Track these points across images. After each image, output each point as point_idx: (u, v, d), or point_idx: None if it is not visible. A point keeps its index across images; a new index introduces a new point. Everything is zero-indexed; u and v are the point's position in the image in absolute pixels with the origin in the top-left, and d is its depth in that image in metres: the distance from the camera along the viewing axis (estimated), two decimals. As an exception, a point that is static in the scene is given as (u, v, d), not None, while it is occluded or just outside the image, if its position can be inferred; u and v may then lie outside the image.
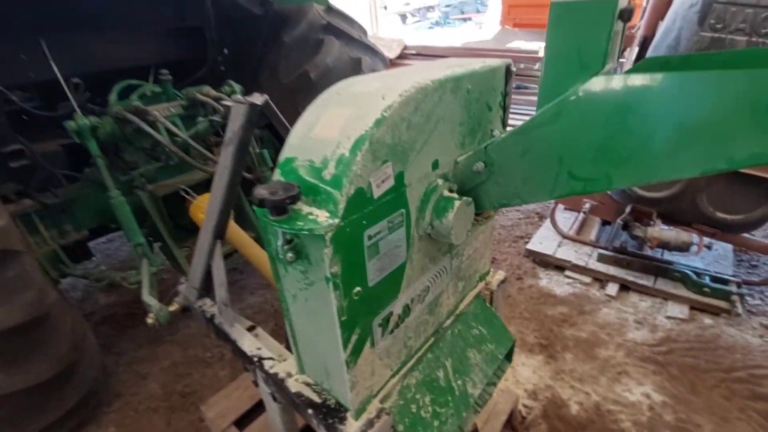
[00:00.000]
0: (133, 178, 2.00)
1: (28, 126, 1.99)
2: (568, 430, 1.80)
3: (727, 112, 0.52)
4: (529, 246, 3.01)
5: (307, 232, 0.69)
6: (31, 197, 1.86)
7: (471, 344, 1.27)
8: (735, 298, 2.27)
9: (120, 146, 2.00)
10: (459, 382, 1.17)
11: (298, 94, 2.26)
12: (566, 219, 3.27)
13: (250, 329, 1.32)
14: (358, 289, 0.81)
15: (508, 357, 1.41)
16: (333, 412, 0.97)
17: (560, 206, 3.33)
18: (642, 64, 0.79)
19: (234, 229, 1.72)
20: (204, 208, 1.97)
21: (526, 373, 2.10)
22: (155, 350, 2.48)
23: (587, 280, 2.73)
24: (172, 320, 1.44)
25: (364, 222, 0.76)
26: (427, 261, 1.01)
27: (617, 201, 2.57)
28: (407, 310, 1.00)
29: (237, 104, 1.30)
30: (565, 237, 3.02)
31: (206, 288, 1.41)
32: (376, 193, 0.76)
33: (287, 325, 0.99)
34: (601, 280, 2.71)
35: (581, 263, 2.77)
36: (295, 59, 2.29)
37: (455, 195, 0.93)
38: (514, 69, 1.08)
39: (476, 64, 0.98)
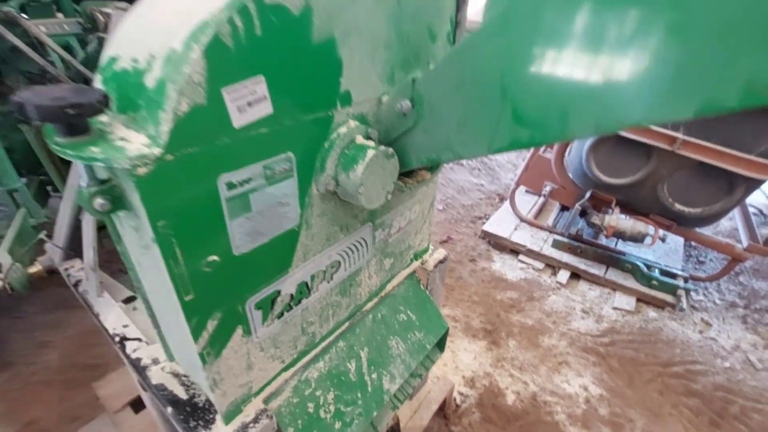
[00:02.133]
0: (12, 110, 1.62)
1: None
2: (501, 421, 1.69)
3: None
4: (486, 227, 2.87)
5: (102, 164, 0.44)
6: None
7: (395, 331, 1.08)
8: (681, 292, 2.24)
9: (-1, 67, 1.60)
10: (374, 375, 0.98)
11: None
12: (527, 202, 3.15)
13: (127, 301, 1.06)
14: (213, 258, 0.57)
15: (440, 346, 1.24)
16: (199, 413, 0.75)
17: (522, 188, 3.21)
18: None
19: None
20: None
21: (466, 360, 1.98)
22: (65, 316, 2.16)
23: (540, 265, 2.64)
24: (32, 286, 1.15)
25: (217, 161, 0.52)
26: (337, 229, 0.79)
27: (578, 186, 2.45)
28: (305, 288, 0.78)
29: (118, 11, 0.99)
30: (522, 220, 2.91)
31: (75, 248, 1.12)
32: (238, 120, 0.52)
33: (141, 297, 0.74)
34: (553, 266, 2.63)
35: (536, 248, 2.66)
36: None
37: (372, 143, 0.70)
38: (469, -8, 0.84)
39: (417, -28, 0.73)
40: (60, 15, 1.71)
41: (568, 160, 2.49)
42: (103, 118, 0.49)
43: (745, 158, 1.74)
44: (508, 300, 2.36)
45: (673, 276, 2.34)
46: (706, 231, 2.61)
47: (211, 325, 0.62)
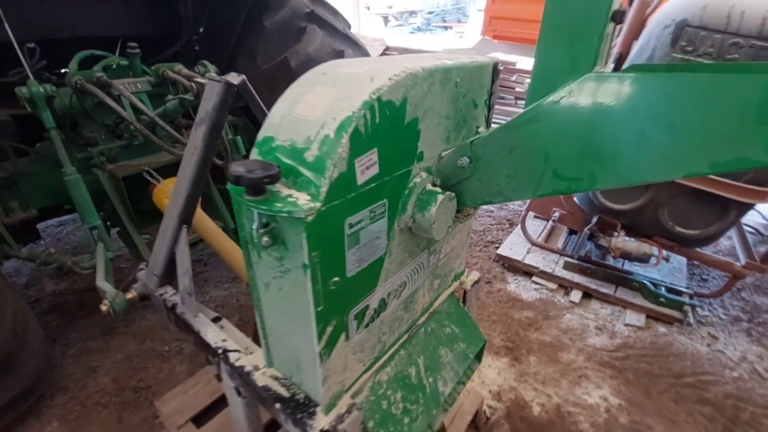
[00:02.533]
0: (92, 156, 1.86)
1: None
2: (529, 430, 1.83)
3: (716, 114, 0.53)
4: (500, 251, 3.06)
5: (286, 215, 0.65)
6: None
7: (443, 342, 1.26)
8: (687, 308, 2.40)
9: (79, 121, 1.86)
10: (430, 379, 1.16)
11: (277, 82, 2.19)
12: (536, 226, 3.36)
13: (215, 320, 1.25)
14: (336, 279, 0.78)
15: (478, 357, 1.41)
16: (302, 407, 0.93)
17: (530, 214, 3.42)
18: (630, 68, 0.80)
19: (201, 216, 1.64)
20: (169, 193, 1.87)
21: (491, 375, 2.13)
22: (108, 342, 2.33)
23: (553, 286, 2.81)
24: (129, 309, 1.34)
25: (346, 209, 0.73)
26: (406, 255, 1.00)
27: (584, 211, 2.67)
28: (383, 304, 0.98)
29: (212, 82, 1.23)
30: (533, 244, 3.10)
31: (168, 276, 1.33)
32: (360, 179, 0.74)
33: (257, 315, 0.94)
34: (565, 286, 2.80)
35: (548, 270, 2.84)
36: (275, 45, 2.22)
37: (438, 189, 0.91)
38: (501, 68, 1.08)
39: (465, 58, 0.97)
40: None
41: (575, 188, 2.72)
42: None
43: (734, 184, 1.96)
44: (526, 319, 2.53)
45: (679, 293, 2.51)
46: (707, 250, 2.81)
47: (328, 330, 0.82)
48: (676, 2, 1.93)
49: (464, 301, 1.42)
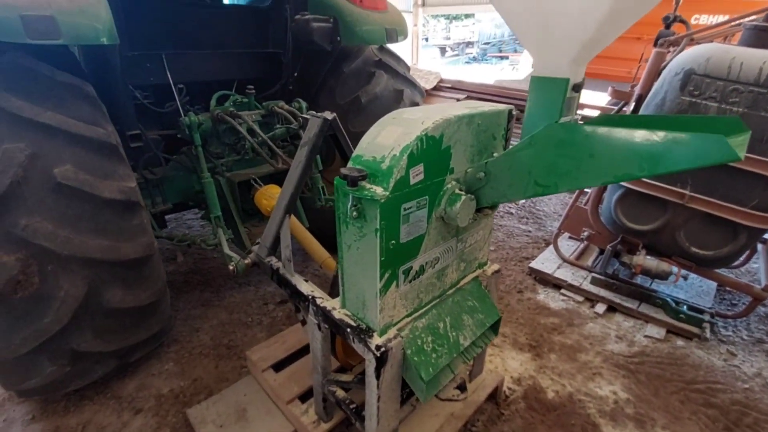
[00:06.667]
0: (216, 166, 2.55)
1: (140, 118, 2.60)
2: (542, 410, 2.16)
3: (614, 151, 0.97)
4: (532, 264, 3.39)
5: (369, 198, 1.17)
6: (137, 172, 2.43)
7: (466, 311, 1.69)
8: (706, 325, 2.59)
9: (209, 140, 2.56)
10: (453, 333, 1.59)
11: (350, 114, 2.80)
12: (569, 246, 3.64)
13: (305, 281, 1.79)
14: (393, 242, 1.27)
15: (494, 329, 1.81)
16: (364, 332, 1.41)
17: (564, 234, 3.71)
18: (591, 120, 1.24)
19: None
20: (268, 195, 2.51)
21: (513, 365, 2.47)
22: (206, 311, 2.97)
23: (580, 298, 3.08)
24: (248, 270, 1.92)
25: (403, 198, 1.23)
26: (440, 238, 1.47)
27: (610, 231, 2.95)
28: (422, 269, 1.45)
29: (313, 117, 1.82)
30: (564, 260, 3.39)
31: (274, 249, 1.90)
32: (412, 181, 1.23)
33: (340, 269, 1.45)
34: (592, 300, 3.06)
35: (576, 283, 3.13)
36: (351, 86, 2.83)
37: (463, 192, 1.39)
38: (515, 113, 1.55)
39: (486, 107, 1.45)
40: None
41: (602, 209, 3.02)
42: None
43: (741, 210, 2.20)
44: (551, 324, 2.83)
45: (700, 311, 2.69)
46: (731, 273, 2.94)
47: (386, 276, 1.30)
48: (685, 54, 2.28)
49: (486, 287, 1.84)
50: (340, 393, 1.72)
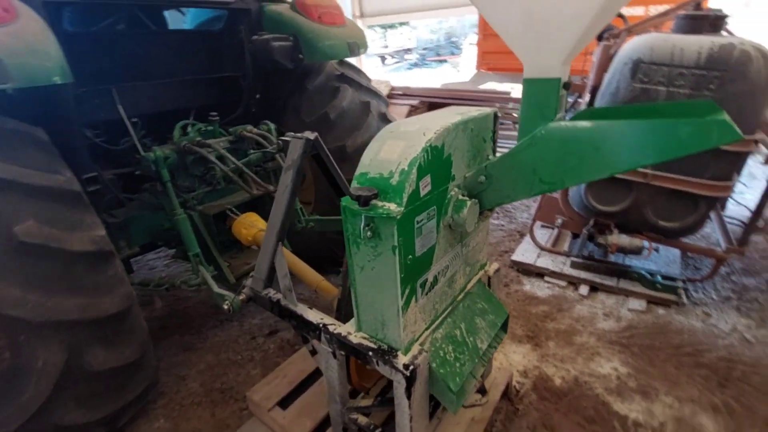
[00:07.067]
0: (186, 200, 2.39)
1: (94, 158, 2.39)
2: (553, 398, 2.20)
3: (620, 143, 1.01)
4: (513, 257, 3.48)
5: (384, 216, 1.13)
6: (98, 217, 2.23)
7: (477, 314, 1.69)
8: (680, 291, 2.78)
9: (175, 173, 2.40)
10: (471, 338, 1.59)
11: (320, 131, 2.72)
12: (543, 234, 3.79)
13: (309, 308, 1.71)
14: (410, 256, 1.24)
15: (504, 328, 1.83)
16: (387, 353, 1.37)
17: (538, 223, 3.86)
18: (580, 114, 1.29)
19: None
20: (247, 224, 2.39)
21: (517, 358, 2.51)
22: (190, 356, 2.76)
23: (563, 283, 3.21)
24: (242, 307, 1.80)
25: (416, 211, 1.21)
26: (448, 245, 1.46)
27: (582, 215, 3.10)
28: (435, 279, 1.43)
29: (294, 138, 1.76)
30: (542, 249, 3.52)
31: (269, 280, 1.80)
32: (422, 193, 1.22)
33: (353, 292, 1.39)
34: (574, 283, 3.19)
35: (557, 270, 3.25)
36: (316, 103, 2.78)
37: (467, 198, 1.39)
38: (500, 115, 1.59)
39: (475, 111, 1.47)
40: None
41: (571, 197, 3.17)
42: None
43: (698, 182, 2.40)
44: (542, 312, 2.92)
45: (673, 279, 2.89)
46: (694, 240, 3.19)
47: (406, 292, 1.27)
48: (631, 44, 2.46)
49: (489, 286, 1.86)
50: (362, 419, 1.65)
